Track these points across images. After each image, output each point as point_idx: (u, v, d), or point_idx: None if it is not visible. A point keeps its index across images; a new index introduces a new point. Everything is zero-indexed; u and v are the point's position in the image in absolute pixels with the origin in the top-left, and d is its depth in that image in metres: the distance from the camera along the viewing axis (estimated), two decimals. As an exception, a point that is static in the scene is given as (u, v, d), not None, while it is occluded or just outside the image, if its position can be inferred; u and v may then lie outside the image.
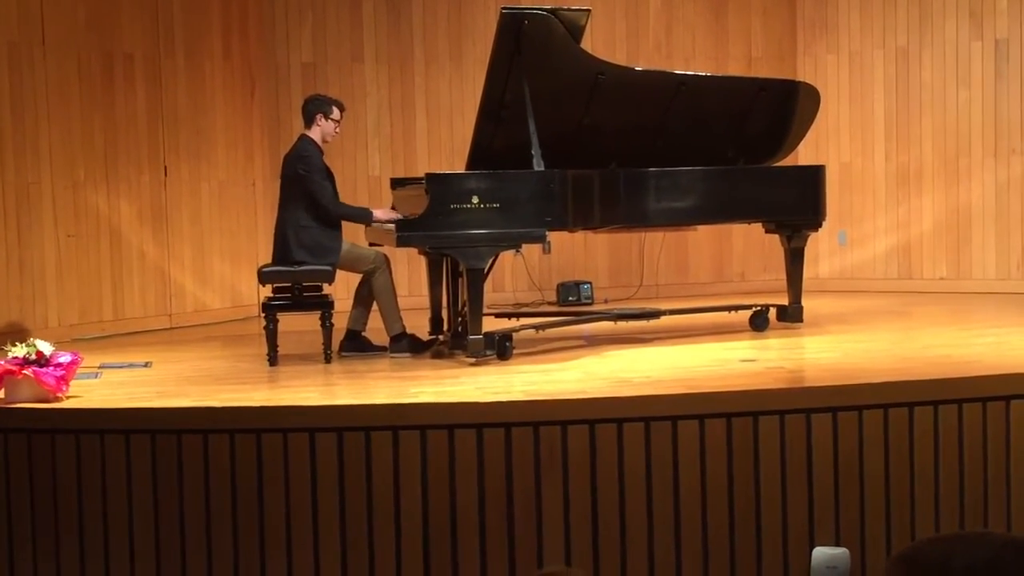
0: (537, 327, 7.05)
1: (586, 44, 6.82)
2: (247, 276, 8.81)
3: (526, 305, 8.96)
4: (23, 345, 5.34)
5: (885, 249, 9.84)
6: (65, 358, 5.36)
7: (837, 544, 4.90)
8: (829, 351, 6.61)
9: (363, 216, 6.88)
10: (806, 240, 7.44)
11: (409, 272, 9.08)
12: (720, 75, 9.18)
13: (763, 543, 5.00)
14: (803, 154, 9.00)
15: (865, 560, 5.00)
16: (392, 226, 6.45)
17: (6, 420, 5.13)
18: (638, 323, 7.39)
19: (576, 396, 5.23)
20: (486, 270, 6.38)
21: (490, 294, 7.20)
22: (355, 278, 6.94)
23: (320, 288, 6.71)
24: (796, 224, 7.35)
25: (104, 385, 5.89)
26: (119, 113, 8.31)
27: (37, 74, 7.77)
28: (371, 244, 7.05)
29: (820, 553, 2.15)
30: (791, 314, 7.47)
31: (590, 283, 9.50)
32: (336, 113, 6.86)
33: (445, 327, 7.15)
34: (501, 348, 6.36)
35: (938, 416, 5.13)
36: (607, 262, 9.85)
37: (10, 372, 5.23)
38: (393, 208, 7.07)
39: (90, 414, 5.16)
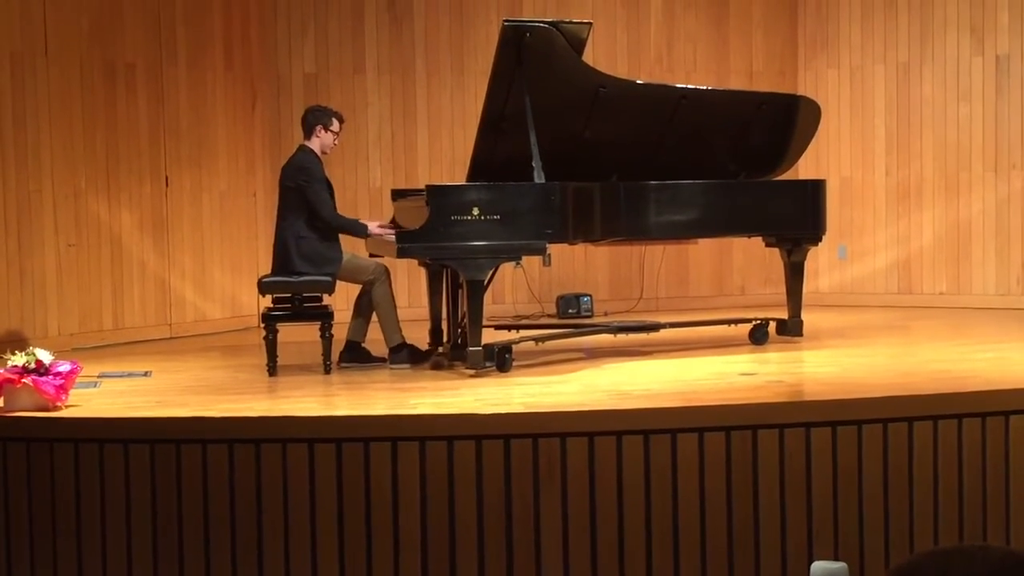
0: (537, 339, 7.05)
1: (587, 57, 6.83)
2: (247, 286, 8.81)
3: (526, 317, 8.96)
4: (23, 354, 5.33)
5: (885, 264, 9.84)
6: (65, 367, 5.35)
7: (836, 558, 4.90)
8: (828, 365, 6.61)
9: (359, 230, 6.87)
10: (806, 254, 7.44)
11: (409, 283, 9.08)
12: (721, 89, 9.18)
13: (762, 557, 5.00)
14: (803, 168, 9.00)
15: (864, 574, 4.99)
16: (392, 237, 6.45)
17: (5, 429, 5.13)
18: (638, 336, 7.39)
19: (575, 408, 5.23)
20: (486, 282, 6.38)
21: (490, 306, 7.20)
22: (355, 289, 6.94)
23: (320, 299, 6.71)
24: (796, 238, 7.35)
25: (103, 394, 5.88)
26: (121, 123, 8.32)
27: (39, 83, 7.78)
28: (371, 255, 7.05)
29: (819, 567, 2.15)
30: (791, 328, 7.46)
31: (590, 296, 9.50)
32: (336, 125, 6.87)
33: (445, 339, 7.15)
34: (501, 360, 6.35)
35: (937, 431, 5.13)
36: (607, 275, 9.85)
37: (9, 381, 5.22)
38: (393, 221, 7.08)
39: (89, 423, 5.16)
